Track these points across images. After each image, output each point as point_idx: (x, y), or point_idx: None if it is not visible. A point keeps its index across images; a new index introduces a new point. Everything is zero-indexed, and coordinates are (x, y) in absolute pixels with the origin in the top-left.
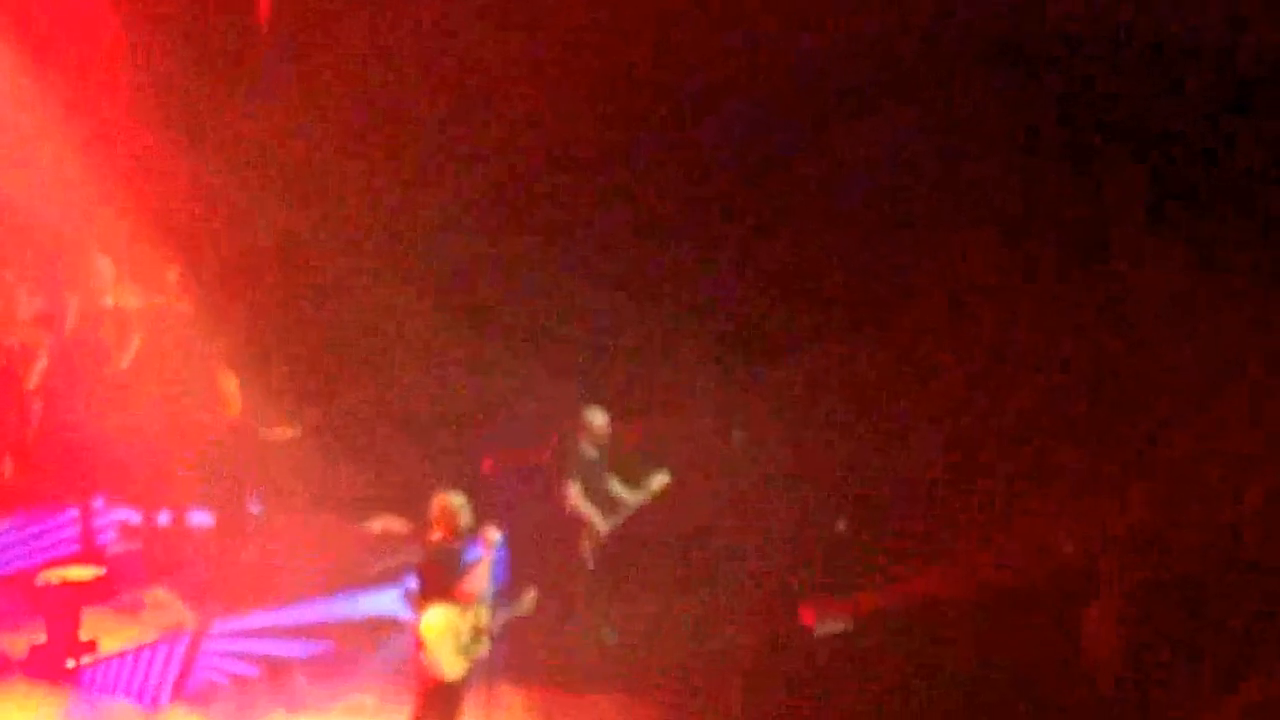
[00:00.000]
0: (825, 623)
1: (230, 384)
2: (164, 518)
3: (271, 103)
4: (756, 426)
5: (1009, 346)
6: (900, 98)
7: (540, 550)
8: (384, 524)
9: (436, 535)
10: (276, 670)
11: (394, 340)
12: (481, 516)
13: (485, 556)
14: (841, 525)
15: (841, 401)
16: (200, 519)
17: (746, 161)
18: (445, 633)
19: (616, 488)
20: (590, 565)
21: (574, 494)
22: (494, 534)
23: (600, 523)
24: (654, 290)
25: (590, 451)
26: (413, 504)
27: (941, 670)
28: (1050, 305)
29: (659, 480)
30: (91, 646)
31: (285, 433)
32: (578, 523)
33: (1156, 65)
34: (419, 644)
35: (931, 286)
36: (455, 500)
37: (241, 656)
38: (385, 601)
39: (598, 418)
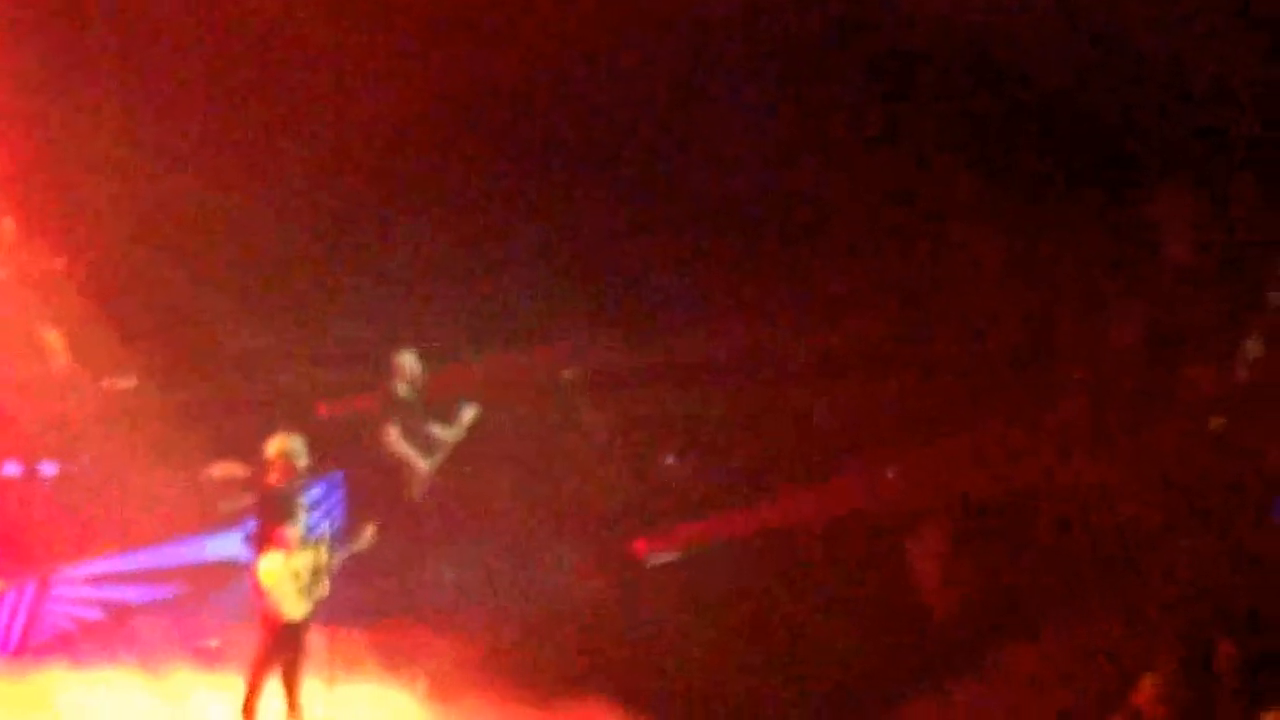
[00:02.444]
0: (656, 554)
1: (53, 336)
2: (11, 469)
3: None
4: (589, 365)
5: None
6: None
7: (374, 491)
8: (224, 469)
9: (274, 478)
10: (122, 616)
11: (231, 287)
12: (318, 459)
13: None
14: (670, 459)
15: (673, 338)
16: (49, 470)
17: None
18: (285, 574)
19: (435, 427)
20: (420, 505)
21: (392, 436)
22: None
23: (419, 463)
24: (478, 228)
25: (406, 393)
26: (252, 449)
27: (774, 600)
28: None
29: (469, 414)
30: None
31: (122, 383)
32: (400, 464)
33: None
34: (260, 587)
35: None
36: (292, 443)
37: (87, 603)
38: (228, 545)
39: (409, 360)
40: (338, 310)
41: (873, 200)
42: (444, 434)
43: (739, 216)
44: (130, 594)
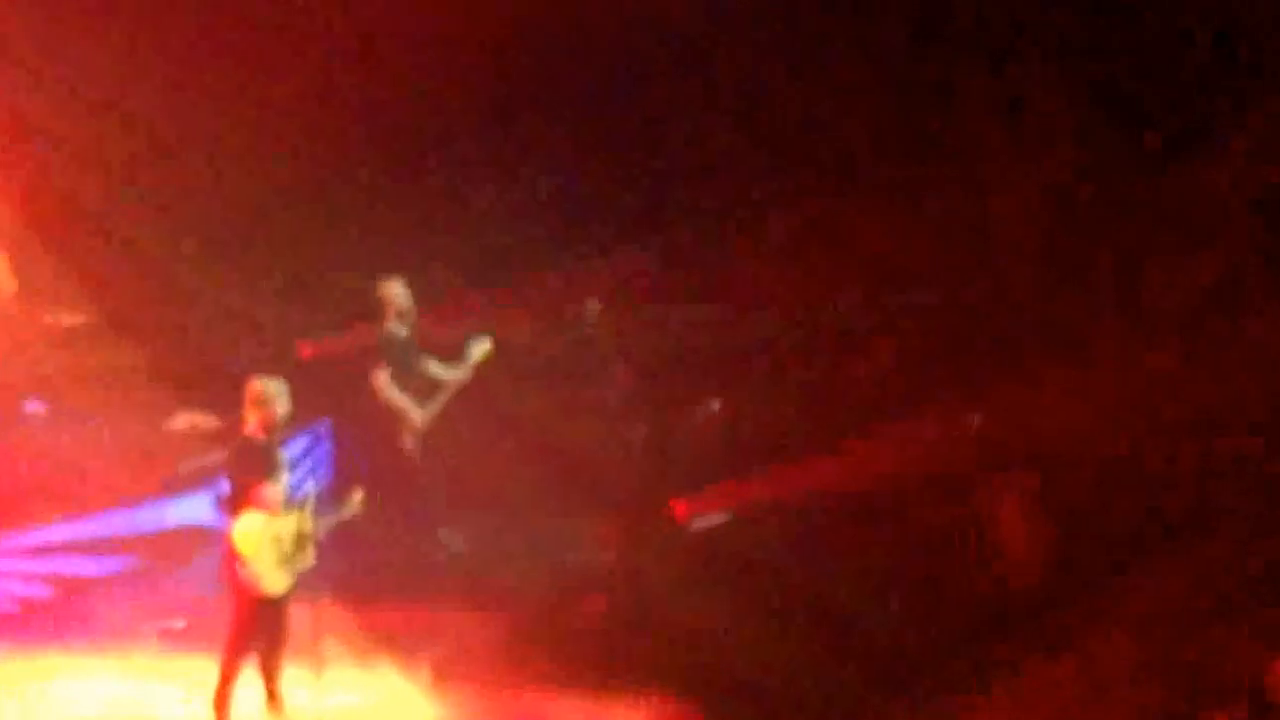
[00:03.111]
0: (699, 516)
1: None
2: None
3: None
4: (612, 299)
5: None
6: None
7: (366, 446)
8: (189, 419)
9: (250, 428)
10: (72, 591)
11: (197, 213)
12: (300, 407)
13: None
14: (715, 406)
15: (713, 258)
16: None
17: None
18: (263, 542)
19: (433, 367)
20: (418, 461)
21: (383, 381)
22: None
23: (415, 412)
24: (476, 128)
25: (396, 329)
26: (222, 395)
27: (834, 567)
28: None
29: (478, 349)
30: None
31: (72, 318)
32: (394, 414)
33: None
34: (234, 556)
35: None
36: (271, 387)
37: (31, 577)
38: (194, 509)
39: (396, 290)
40: (320, 237)
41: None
42: (444, 375)
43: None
44: (82, 567)
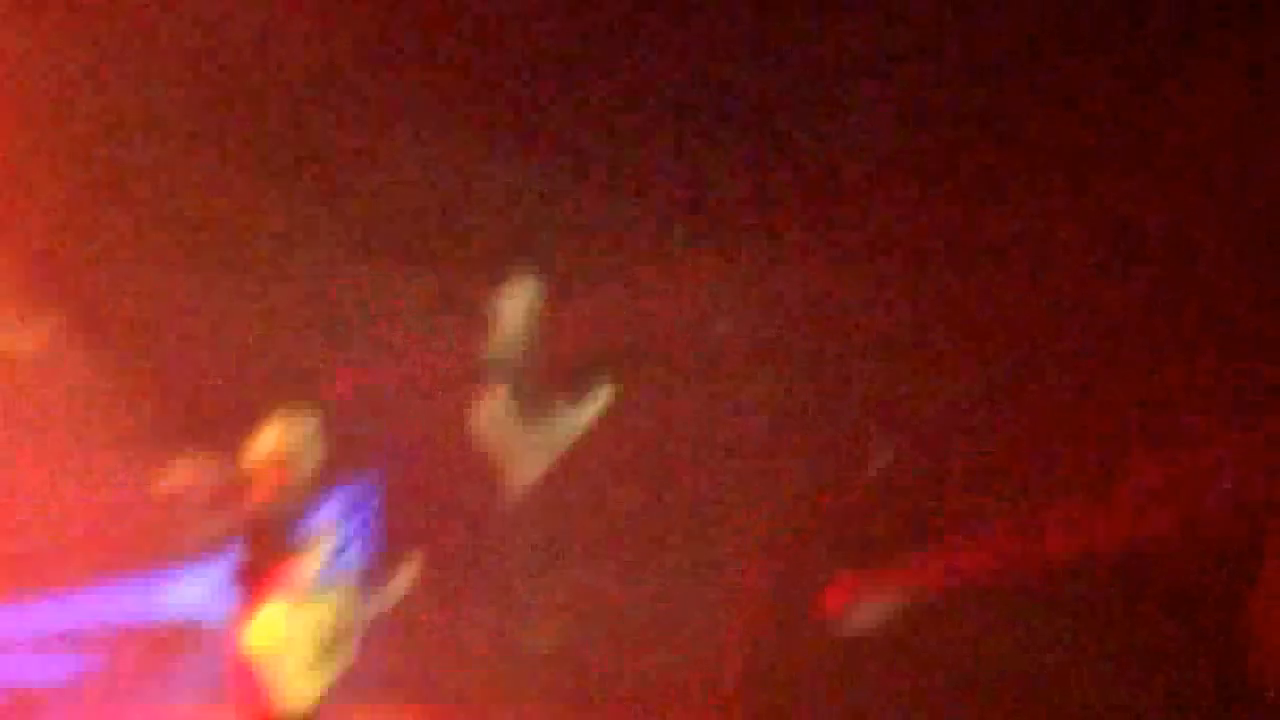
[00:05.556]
0: (860, 608)
1: None
2: None
3: None
4: (751, 316)
5: None
6: None
7: (430, 507)
8: (186, 473)
9: (267, 489)
10: (27, 702)
11: (197, 192)
12: (336, 458)
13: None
14: (886, 458)
15: (885, 281)
16: None
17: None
18: (287, 638)
19: (546, 405)
20: (504, 526)
21: (491, 418)
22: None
23: (522, 460)
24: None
25: (503, 351)
26: (232, 441)
27: (1038, 672)
28: None
29: (600, 394)
30: None
31: (29, 338)
32: (488, 462)
33: None
34: (248, 657)
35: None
36: (294, 433)
37: None
38: (191, 594)
39: (520, 298)
40: (360, 227)
41: None
42: (562, 417)
43: None
44: (38, 670)
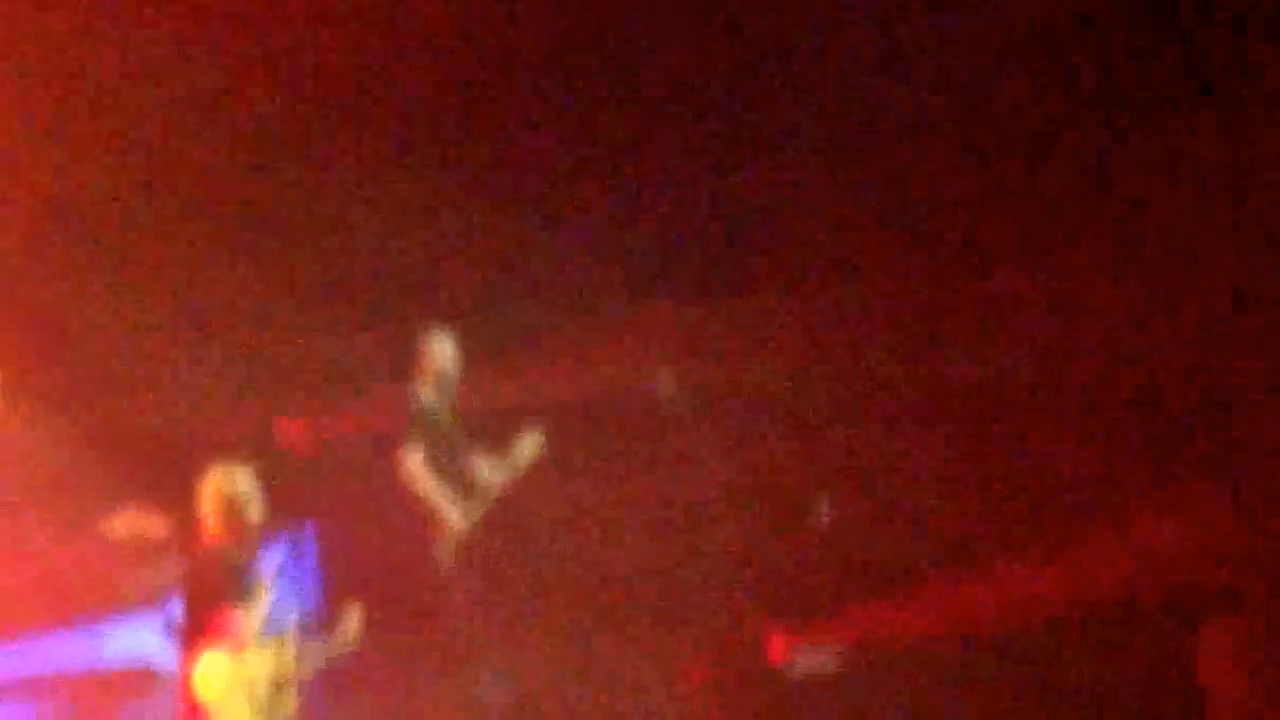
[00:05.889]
0: (803, 658)
1: None
2: None
3: None
4: (693, 371)
5: None
6: None
7: (371, 557)
8: (130, 523)
9: (211, 538)
10: None
11: (136, 249)
12: (279, 505)
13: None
14: (824, 512)
15: (820, 331)
16: None
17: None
18: (231, 686)
19: (474, 458)
20: (449, 577)
21: (416, 468)
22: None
23: (455, 512)
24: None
25: (433, 403)
26: (175, 489)
27: None
28: None
29: (529, 444)
30: None
31: None
32: (424, 513)
33: None
34: (192, 706)
35: None
36: (237, 483)
37: None
38: (136, 640)
39: (442, 349)
40: (305, 278)
41: None
42: (489, 471)
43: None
44: None
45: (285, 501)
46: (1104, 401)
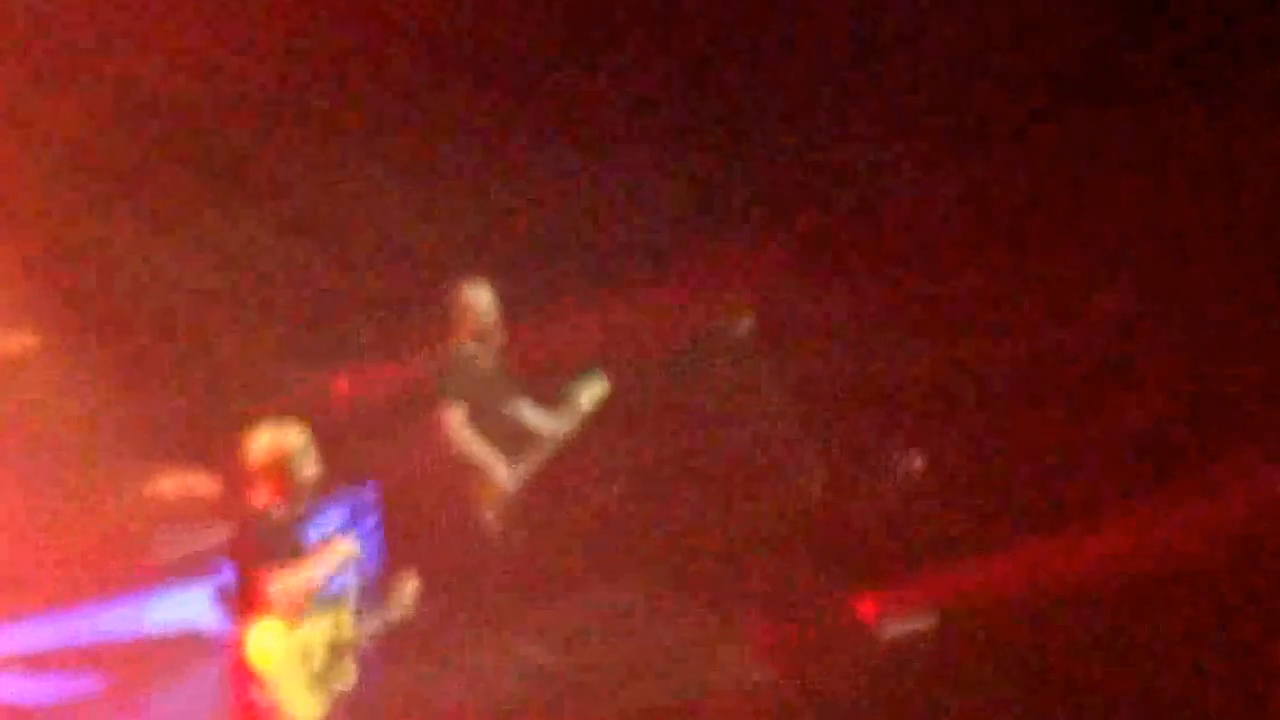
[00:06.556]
0: (896, 619)
1: None
2: None
3: None
4: (771, 313)
5: None
6: None
7: (427, 518)
8: (178, 482)
9: (262, 498)
10: None
11: (184, 188)
12: (335, 466)
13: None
14: (918, 462)
15: (911, 269)
16: None
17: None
18: (287, 656)
19: (525, 410)
20: (497, 539)
21: (455, 424)
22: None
23: (502, 470)
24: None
25: (475, 353)
26: (225, 449)
27: (1087, 688)
28: None
29: (591, 391)
30: None
31: (11, 338)
32: (466, 470)
33: None
34: (245, 676)
35: None
36: (290, 439)
37: None
38: (185, 608)
39: (479, 297)
40: (358, 230)
41: None
42: (541, 424)
43: None
44: (26, 690)
45: (340, 460)
46: (1198, 360)
